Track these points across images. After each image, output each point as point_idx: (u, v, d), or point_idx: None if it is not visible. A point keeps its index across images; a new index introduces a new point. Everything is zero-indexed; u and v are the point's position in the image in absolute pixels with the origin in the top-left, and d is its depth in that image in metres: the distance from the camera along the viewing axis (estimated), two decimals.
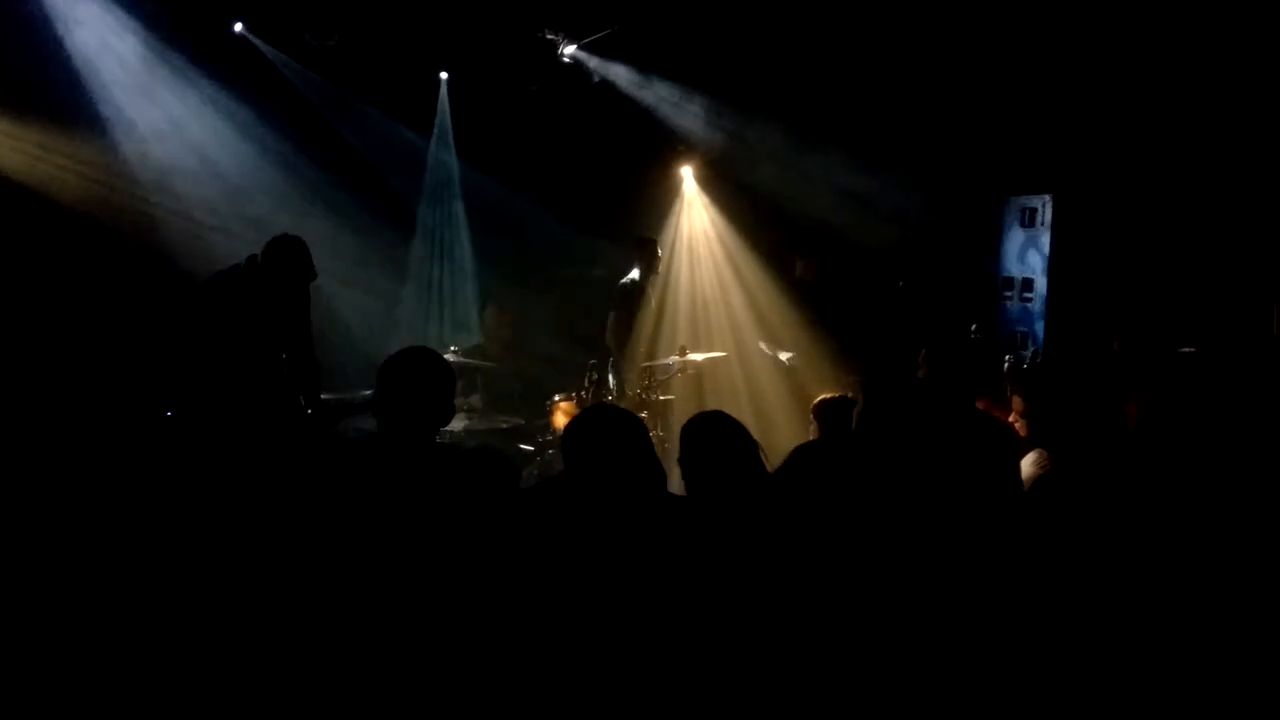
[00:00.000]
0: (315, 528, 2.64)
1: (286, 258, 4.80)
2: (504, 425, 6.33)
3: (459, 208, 8.24)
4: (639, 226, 7.72)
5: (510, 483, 2.41)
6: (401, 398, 2.76)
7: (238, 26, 7.04)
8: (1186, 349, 4.61)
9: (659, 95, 7.90)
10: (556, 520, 2.31)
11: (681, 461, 2.80)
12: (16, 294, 5.96)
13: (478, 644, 2.18)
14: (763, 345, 6.89)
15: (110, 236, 6.46)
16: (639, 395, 6.28)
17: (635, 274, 6.93)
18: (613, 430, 2.57)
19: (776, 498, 2.31)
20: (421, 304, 8.08)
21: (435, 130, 8.10)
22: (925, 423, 2.20)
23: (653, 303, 6.95)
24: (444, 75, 7.96)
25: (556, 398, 6.35)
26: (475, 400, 6.53)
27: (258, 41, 7.07)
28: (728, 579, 2.22)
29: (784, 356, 6.63)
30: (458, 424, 6.04)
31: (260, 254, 4.82)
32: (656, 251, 7.03)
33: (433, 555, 2.43)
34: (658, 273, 7.05)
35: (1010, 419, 3.83)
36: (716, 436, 2.77)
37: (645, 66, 7.78)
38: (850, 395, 3.77)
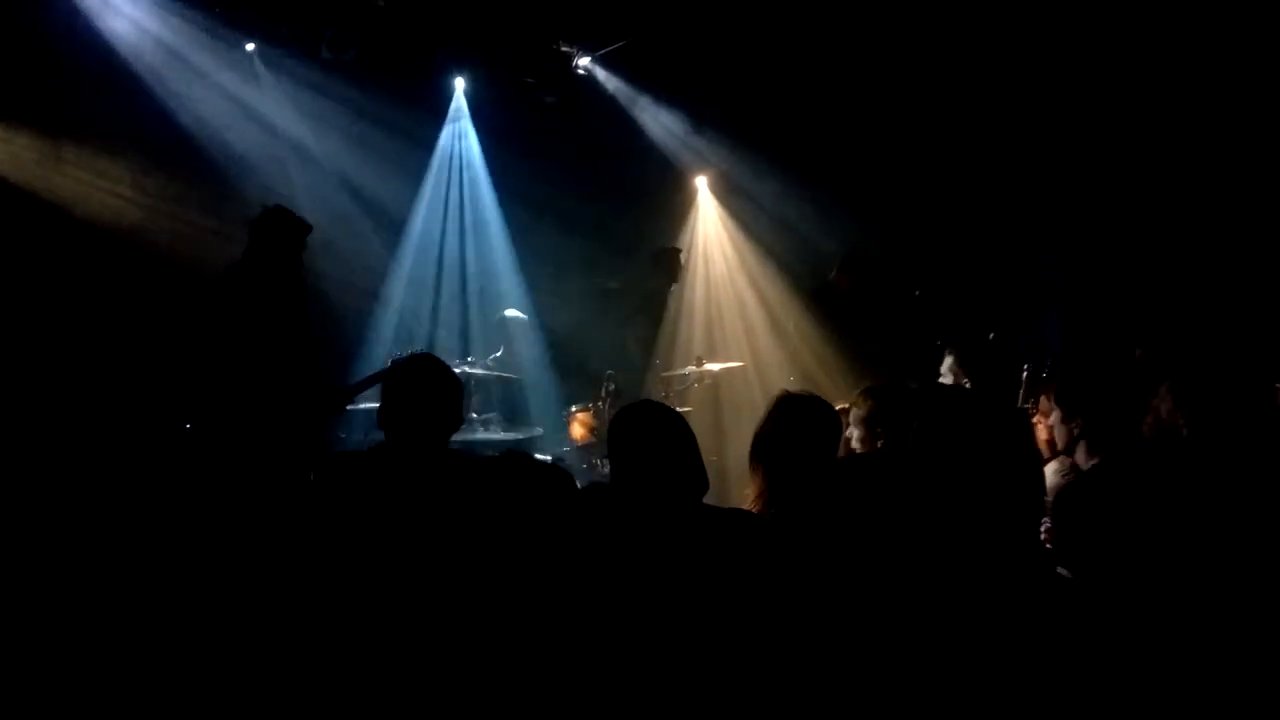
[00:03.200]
0: (333, 541, 2.65)
1: (274, 229, 4.66)
2: (521, 435, 6.35)
3: (493, 215, 8.06)
4: (655, 235, 7.75)
5: (562, 490, 2.41)
6: (412, 405, 2.76)
7: (249, 46, 6.92)
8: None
9: (651, 117, 7.94)
10: (604, 524, 2.31)
11: (768, 438, 2.79)
12: (37, 304, 6.00)
13: (509, 652, 2.19)
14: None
15: (123, 243, 6.49)
16: None
17: (657, 283, 6.93)
18: (663, 425, 2.58)
19: (827, 506, 2.32)
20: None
21: (451, 132, 7.98)
22: (976, 429, 2.21)
23: (671, 312, 6.96)
24: (459, 81, 7.91)
25: (573, 408, 6.37)
26: (492, 411, 6.54)
27: (262, 68, 6.99)
28: (772, 586, 2.22)
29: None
30: (477, 434, 6.07)
31: (249, 236, 4.66)
32: (679, 261, 7.03)
33: (456, 564, 2.43)
34: (679, 282, 7.06)
35: (1037, 424, 3.82)
36: (811, 418, 2.77)
37: (649, 87, 7.81)
38: (848, 405, 3.72)
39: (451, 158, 8.01)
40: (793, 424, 2.80)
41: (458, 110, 7.93)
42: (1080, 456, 3.22)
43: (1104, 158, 7.03)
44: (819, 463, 2.74)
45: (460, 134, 7.98)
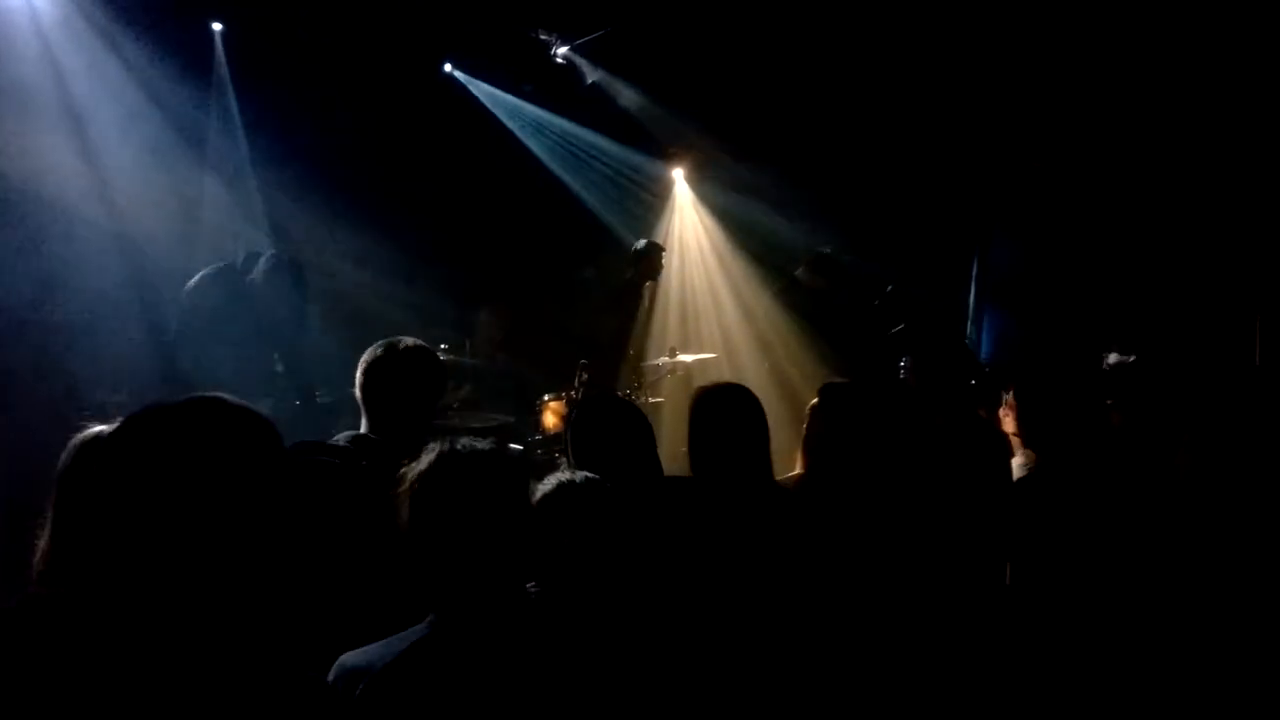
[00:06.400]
0: (314, 534, 2.61)
1: (289, 281, 4.92)
2: (493, 424, 6.33)
3: None
4: (629, 225, 7.74)
5: (518, 478, 2.37)
6: (394, 392, 2.73)
7: (216, 26, 6.55)
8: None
9: (627, 106, 7.92)
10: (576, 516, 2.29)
11: (694, 431, 2.78)
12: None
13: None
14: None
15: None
16: (628, 396, 6.29)
17: (633, 276, 6.90)
18: (619, 422, 2.58)
19: (785, 496, 2.34)
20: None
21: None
22: (913, 427, 2.27)
23: (646, 304, 6.95)
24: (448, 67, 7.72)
25: (546, 397, 6.36)
26: (466, 393, 6.52)
27: (220, 56, 6.63)
28: (729, 576, 2.24)
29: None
30: (447, 422, 6.03)
31: (265, 268, 4.87)
32: (660, 259, 6.97)
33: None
34: (654, 280, 7.03)
35: (1003, 419, 3.86)
36: (734, 409, 2.77)
37: (626, 77, 7.78)
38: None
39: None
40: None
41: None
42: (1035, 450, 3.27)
43: (1080, 150, 7.10)
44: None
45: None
